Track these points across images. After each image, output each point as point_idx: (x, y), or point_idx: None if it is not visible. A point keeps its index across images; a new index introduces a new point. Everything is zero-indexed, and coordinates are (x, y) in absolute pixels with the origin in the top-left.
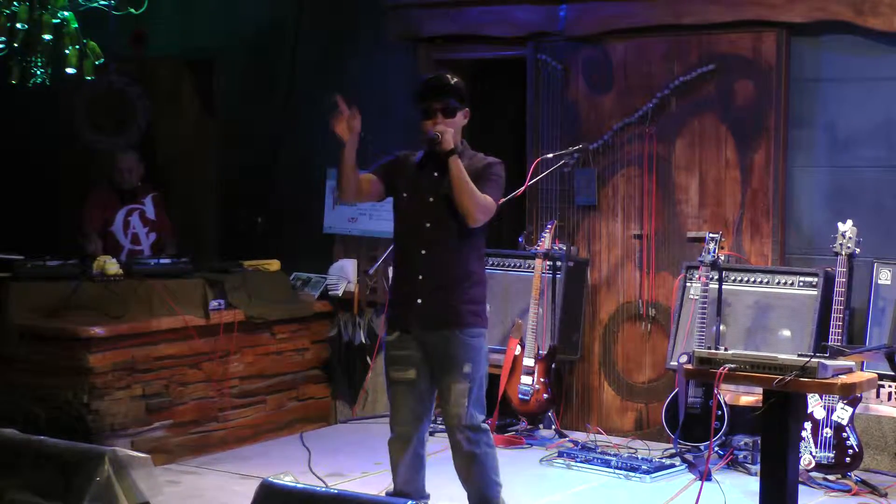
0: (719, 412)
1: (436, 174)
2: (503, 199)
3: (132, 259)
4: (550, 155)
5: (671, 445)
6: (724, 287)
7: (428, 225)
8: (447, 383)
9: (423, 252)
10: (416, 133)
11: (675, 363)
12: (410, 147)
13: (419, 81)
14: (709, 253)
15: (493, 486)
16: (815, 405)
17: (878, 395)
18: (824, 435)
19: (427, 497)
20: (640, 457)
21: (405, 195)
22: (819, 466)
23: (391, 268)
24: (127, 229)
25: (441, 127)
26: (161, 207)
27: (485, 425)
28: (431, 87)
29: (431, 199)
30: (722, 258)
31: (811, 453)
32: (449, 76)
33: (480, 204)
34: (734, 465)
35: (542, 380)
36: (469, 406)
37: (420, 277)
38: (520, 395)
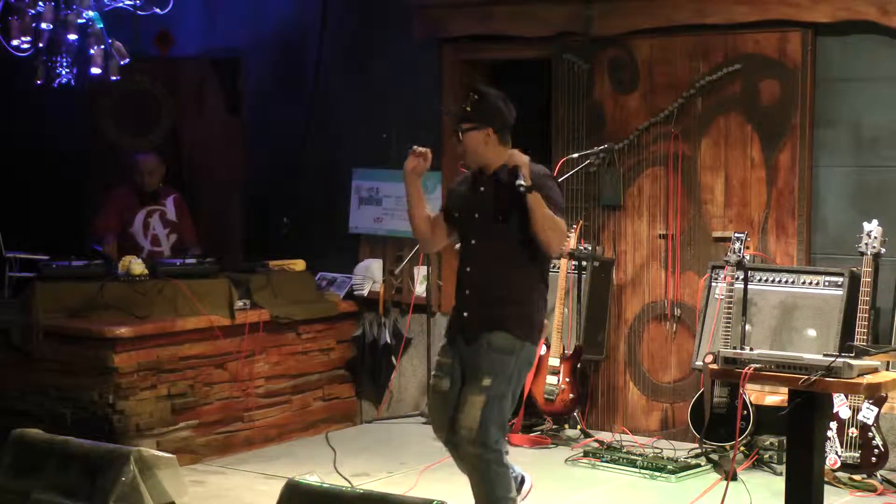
0: (745, 412)
1: (482, 190)
2: None
3: (157, 259)
4: (576, 155)
5: (696, 445)
6: (749, 287)
7: (473, 242)
8: (466, 393)
9: (469, 269)
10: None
11: (701, 363)
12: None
13: None
14: (734, 253)
15: (503, 500)
16: (841, 405)
17: None
18: (850, 434)
19: None
20: (665, 456)
21: (457, 214)
22: (844, 466)
23: (415, 268)
24: (147, 231)
25: (525, 171)
26: (183, 209)
27: (498, 447)
28: (456, 107)
29: (477, 216)
30: (747, 258)
31: (836, 453)
32: (472, 94)
33: (563, 232)
34: (760, 464)
35: (567, 380)
36: (484, 421)
37: (467, 292)
38: (545, 395)
